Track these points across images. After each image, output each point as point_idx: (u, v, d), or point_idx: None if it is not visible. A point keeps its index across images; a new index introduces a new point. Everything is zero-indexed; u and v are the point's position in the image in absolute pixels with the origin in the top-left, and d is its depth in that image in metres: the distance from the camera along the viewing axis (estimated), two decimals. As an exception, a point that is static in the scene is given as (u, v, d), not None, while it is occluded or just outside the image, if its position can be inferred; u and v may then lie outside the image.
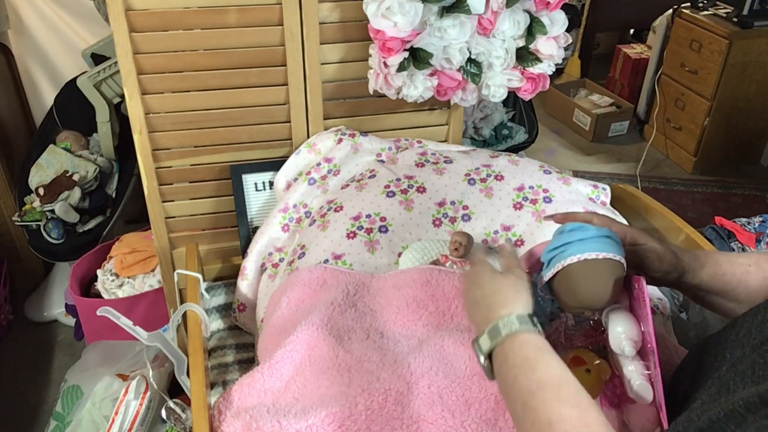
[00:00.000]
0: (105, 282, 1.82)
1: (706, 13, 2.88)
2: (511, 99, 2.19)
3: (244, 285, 1.33)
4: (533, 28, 1.33)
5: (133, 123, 1.32)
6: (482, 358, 0.67)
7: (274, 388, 0.97)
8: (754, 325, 0.67)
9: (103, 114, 1.98)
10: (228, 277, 1.45)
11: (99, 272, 1.85)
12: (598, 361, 0.82)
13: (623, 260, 0.82)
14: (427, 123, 1.53)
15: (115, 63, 1.91)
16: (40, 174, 1.95)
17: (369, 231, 1.23)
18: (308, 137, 1.44)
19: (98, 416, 1.42)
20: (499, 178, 1.32)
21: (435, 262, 1.15)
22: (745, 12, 2.73)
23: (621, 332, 0.80)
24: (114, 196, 2.02)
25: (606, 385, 0.83)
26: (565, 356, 0.83)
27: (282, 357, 0.99)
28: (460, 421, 0.85)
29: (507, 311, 0.69)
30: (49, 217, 1.86)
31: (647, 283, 0.82)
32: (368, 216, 1.25)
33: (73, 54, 2.13)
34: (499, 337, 0.66)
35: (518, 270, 0.80)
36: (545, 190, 1.30)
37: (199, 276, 1.28)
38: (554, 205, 1.28)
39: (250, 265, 1.33)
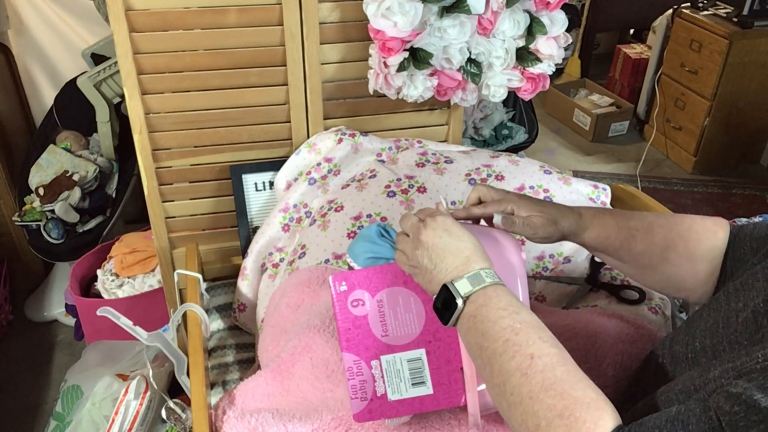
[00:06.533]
0: (105, 282, 1.82)
1: (706, 13, 2.88)
2: (511, 99, 2.19)
3: (244, 285, 1.33)
4: (533, 28, 1.33)
5: (133, 123, 1.32)
6: (460, 301, 0.71)
7: (278, 392, 0.97)
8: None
9: (103, 114, 1.98)
10: (228, 277, 1.45)
11: (99, 272, 1.85)
12: None
13: None
14: (427, 123, 1.53)
15: (115, 63, 1.90)
16: (40, 174, 1.95)
17: (369, 231, 1.22)
18: (308, 137, 1.44)
19: (98, 416, 1.42)
20: (499, 178, 1.32)
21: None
22: (745, 12, 2.73)
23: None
24: (114, 196, 2.02)
25: None
26: None
27: (284, 361, 0.99)
28: (460, 419, 0.85)
29: (488, 266, 0.74)
30: (49, 217, 1.86)
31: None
32: (369, 216, 1.25)
33: (73, 54, 2.13)
34: (484, 284, 0.71)
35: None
36: (546, 190, 1.30)
37: (199, 276, 1.28)
38: (554, 205, 1.28)
39: (250, 265, 1.33)
